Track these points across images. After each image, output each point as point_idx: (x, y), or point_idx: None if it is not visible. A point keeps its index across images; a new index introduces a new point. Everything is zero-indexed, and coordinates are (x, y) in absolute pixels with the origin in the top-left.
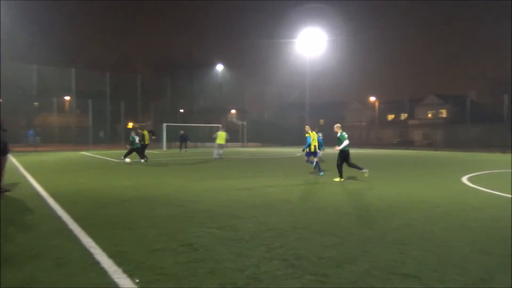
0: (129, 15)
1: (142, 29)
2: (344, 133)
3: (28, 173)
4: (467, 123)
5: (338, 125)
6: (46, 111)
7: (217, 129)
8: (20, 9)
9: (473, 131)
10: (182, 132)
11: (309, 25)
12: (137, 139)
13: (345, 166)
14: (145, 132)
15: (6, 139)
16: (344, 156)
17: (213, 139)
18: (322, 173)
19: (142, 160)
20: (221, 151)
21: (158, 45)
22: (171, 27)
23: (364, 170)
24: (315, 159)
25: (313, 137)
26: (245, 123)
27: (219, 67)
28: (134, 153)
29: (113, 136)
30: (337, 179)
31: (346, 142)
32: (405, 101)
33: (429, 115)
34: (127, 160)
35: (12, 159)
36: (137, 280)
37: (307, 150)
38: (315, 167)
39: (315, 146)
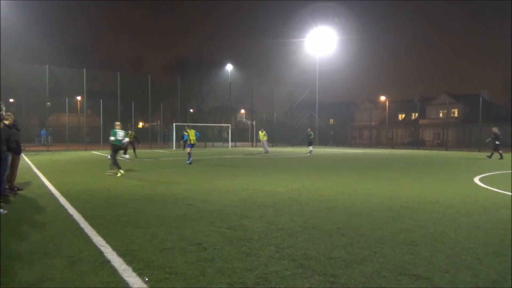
0: (140, 16)
1: (152, 29)
2: (116, 131)
3: (40, 172)
4: (479, 122)
5: (117, 123)
6: (58, 111)
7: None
8: (32, 10)
9: (486, 131)
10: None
11: (319, 24)
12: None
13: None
14: (130, 132)
15: (19, 139)
16: (115, 149)
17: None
18: (189, 162)
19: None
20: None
21: (168, 46)
22: (181, 27)
23: (120, 171)
24: (189, 150)
25: (191, 134)
26: (254, 122)
27: (229, 67)
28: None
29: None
30: (119, 174)
31: (112, 138)
32: (416, 101)
33: (441, 115)
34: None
35: (25, 159)
36: (147, 279)
37: (188, 143)
38: (189, 157)
39: (192, 140)
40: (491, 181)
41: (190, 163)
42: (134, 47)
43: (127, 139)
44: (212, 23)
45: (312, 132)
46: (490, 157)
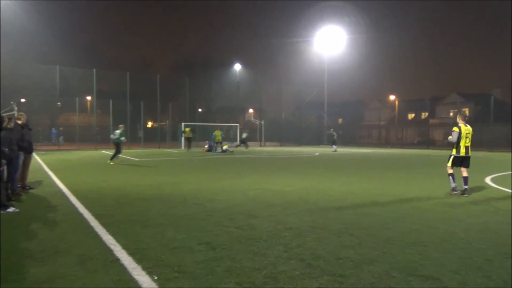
0: (148, 16)
1: (161, 29)
2: (116, 131)
3: (51, 172)
4: (491, 122)
5: (121, 125)
6: (69, 111)
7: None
8: (42, 11)
9: (498, 131)
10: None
11: (328, 23)
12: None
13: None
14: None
15: (31, 138)
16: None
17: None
18: (216, 153)
19: None
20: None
21: (177, 45)
22: (189, 27)
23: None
24: (218, 148)
25: (218, 135)
26: (262, 122)
27: (237, 66)
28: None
29: (134, 136)
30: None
31: (112, 136)
32: (426, 100)
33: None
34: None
35: (36, 158)
36: (156, 277)
37: (215, 141)
38: (214, 150)
39: (218, 139)
40: (502, 181)
41: (216, 154)
42: (143, 47)
43: (123, 138)
44: (220, 22)
45: (335, 133)
46: None
